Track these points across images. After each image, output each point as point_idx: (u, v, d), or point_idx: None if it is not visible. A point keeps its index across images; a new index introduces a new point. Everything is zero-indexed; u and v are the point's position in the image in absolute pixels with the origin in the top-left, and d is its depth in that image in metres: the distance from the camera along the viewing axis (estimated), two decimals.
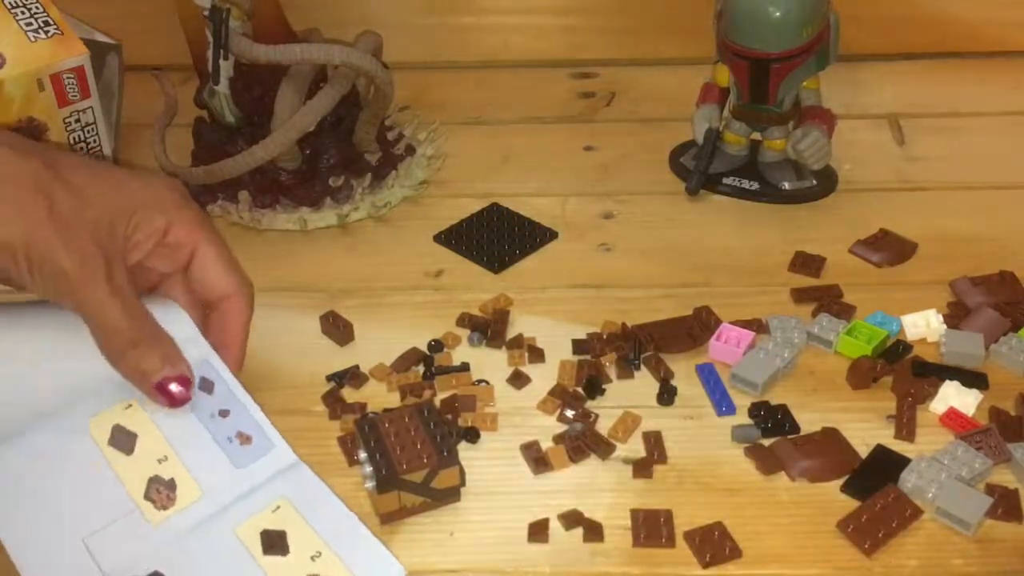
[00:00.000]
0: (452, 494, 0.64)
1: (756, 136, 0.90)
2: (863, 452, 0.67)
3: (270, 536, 0.54)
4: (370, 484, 0.63)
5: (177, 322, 0.59)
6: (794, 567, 0.61)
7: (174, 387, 0.56)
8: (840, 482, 0.66)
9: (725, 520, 0.63)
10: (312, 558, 0.53)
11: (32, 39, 0.83)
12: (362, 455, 0.63)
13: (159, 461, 0.56)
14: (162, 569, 0.53)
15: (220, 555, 0.54)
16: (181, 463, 0.56)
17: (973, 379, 0.71)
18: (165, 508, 0.55)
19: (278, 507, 0.55)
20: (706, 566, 0.61)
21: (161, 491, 0.55)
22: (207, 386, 0.58)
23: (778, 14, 0.82)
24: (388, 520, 0.63)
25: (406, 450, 0.62)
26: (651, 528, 0.63)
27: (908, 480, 0.64)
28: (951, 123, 0.98)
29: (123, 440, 0.57)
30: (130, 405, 0.57)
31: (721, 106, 0.90)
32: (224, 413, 0.58)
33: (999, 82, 1.03)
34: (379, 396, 0.72)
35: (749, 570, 0.61)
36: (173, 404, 0.56)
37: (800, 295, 0.79)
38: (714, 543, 0.62)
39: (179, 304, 0.60)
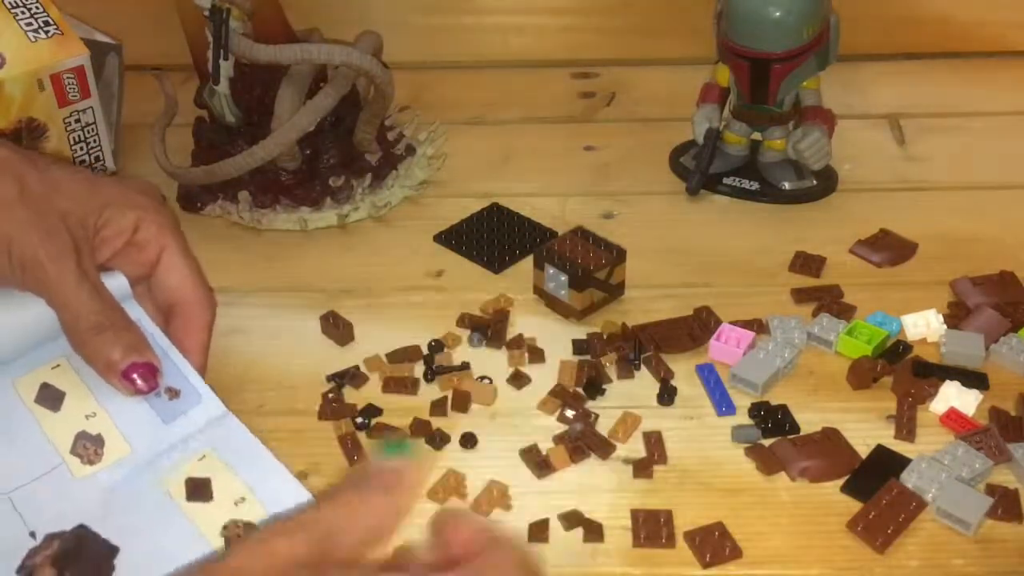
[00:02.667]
0: (621, 289, 0.79)
1: (756, 136, 0.90)
2: (863, 452, 0.67)
3: (195, 483, 0.53)
4: (563, 291, 0.76)
5: (113, 279, 0.58)
6: (794, 567, 0.61)
7: (139, 376, 0.55)
8: (840, 482, 0.66)
9: (725, 520, 0.63)
10: (236, 503, 0.53)
11: (32, 39, 0.83)
12: (551, 270, 0.76)
13: (87, 417, 0.55)
14: (88, 522, 0.52)
15: (145, 505, 0.53)
16: (110, 419, 0.55)
17: (973, 379, 0.71)
18: (92, 463, 0.54)
19: (204, 456, 0.54)
20: (706, 566, 0.61)
21: (88, 447, 0.54)
22: None
23: (778, 14, 0.82)
24: (583, 316, 0.77)
25: (586, 258, 0.76)
26: (651, 528, 0.63)
27: (908, 480, 0.64)
28: (951, 123, 0.98)
29: (50, 397, 0.56)
30: (58, 365, 0.57)
31: (721, 106, 0.90)
32: None
33: (999, 82, 1.03)
34: (380, 396, 0.72)
35: (749, 570, 0.61)
36: (138, 392, 0.55)
37: (800, 295, 0.79)
38: (714, 543, 0.62)
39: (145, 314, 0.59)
